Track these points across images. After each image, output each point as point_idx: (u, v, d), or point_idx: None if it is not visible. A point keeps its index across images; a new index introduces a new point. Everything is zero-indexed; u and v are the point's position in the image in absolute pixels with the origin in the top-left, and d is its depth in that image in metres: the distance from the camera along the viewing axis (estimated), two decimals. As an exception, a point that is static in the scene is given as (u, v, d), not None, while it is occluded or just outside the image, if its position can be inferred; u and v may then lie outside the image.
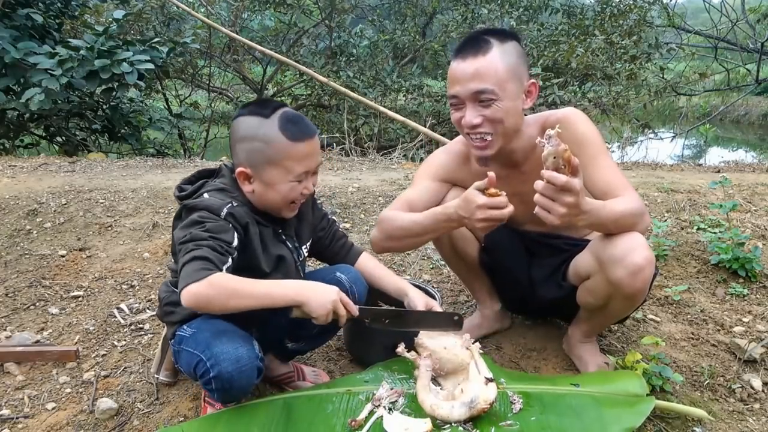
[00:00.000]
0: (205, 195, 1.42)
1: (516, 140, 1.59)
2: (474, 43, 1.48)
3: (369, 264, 1.70)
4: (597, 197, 1.53)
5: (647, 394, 1.50)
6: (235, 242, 1.35)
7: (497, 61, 1.46)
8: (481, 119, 1.48)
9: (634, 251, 1.45)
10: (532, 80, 1.55)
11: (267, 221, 1.49)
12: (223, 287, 1.27)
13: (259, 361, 1.36)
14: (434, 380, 1.49)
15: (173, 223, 1.48)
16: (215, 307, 1.28)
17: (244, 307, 1.30)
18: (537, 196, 1.31)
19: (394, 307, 1.61)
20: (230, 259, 1.32)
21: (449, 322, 1.58)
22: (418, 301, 1.57)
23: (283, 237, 1.55)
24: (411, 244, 1.75)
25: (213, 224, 1.33)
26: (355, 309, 1.44)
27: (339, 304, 1.38)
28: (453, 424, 1.36)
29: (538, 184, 1.30)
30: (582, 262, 1.64)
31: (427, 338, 1.52)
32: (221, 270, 1.28)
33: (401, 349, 1.54)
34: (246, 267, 1.40)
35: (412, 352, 1.52)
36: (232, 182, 1.46)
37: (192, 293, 1.24)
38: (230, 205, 1.39)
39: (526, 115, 1.62)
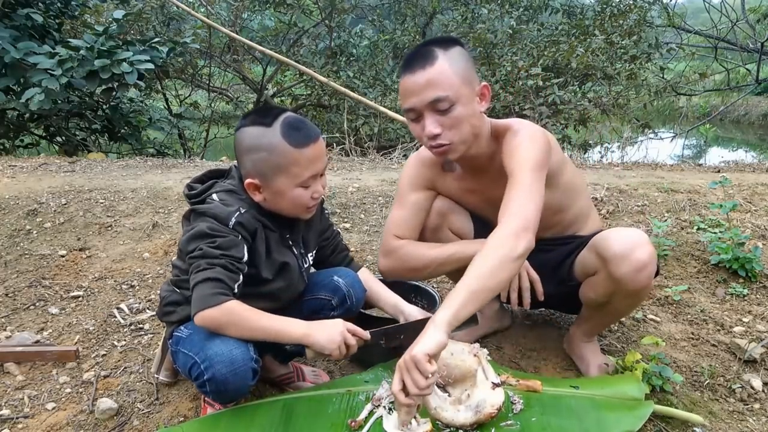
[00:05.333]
0: (214, 196, 1.43)
1: (477, 145, 1.56)
2: (419, 56, 1.47)
3: (368, 281, 1.70)
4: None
5: (647, 394, 1.51)
6: (245, 257, 1.38)
7: (446, 68, 1.44)
8: (440, 129, 1.47)
9: (638, 248, 1.46)
10: (484, 83, 1.54)
11: (275, 226, 1.49)
12: (236, 316, 1.32)
13: (254, 362, 1.36)
14: (442, 388, 1.48)
15: (182, 222, 1.49)
16: (227, 333, 1.33)
17: (253, 338, 1.35)
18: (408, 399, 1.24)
19: (400, 323, 1.60)
20: (241, 276, 1.36)
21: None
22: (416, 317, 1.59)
23: (290, 242, 1.54)
24: (429, 275, 1.83)
25: (223, 240, 1.35)
26: (365, 334, 1.44)
27: (347, 335, 1.40)
28: (458, 429, 1.36)
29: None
30: (586, 259, 1.64)
31: None
32: (233, 288, 1.34)
33: None
34: (247, 273, 1.40)
35: None
36: (241, 184, 1.46)
37: (206, 318, 1.31)
38: (238, 213, 1.39)
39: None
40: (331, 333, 1.38)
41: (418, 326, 1.57)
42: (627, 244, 1.47)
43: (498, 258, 1.32)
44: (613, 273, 1.50)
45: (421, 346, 1.22)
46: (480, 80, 1.54)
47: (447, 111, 1.45)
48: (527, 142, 1.51)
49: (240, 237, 1.38)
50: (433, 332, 1.24)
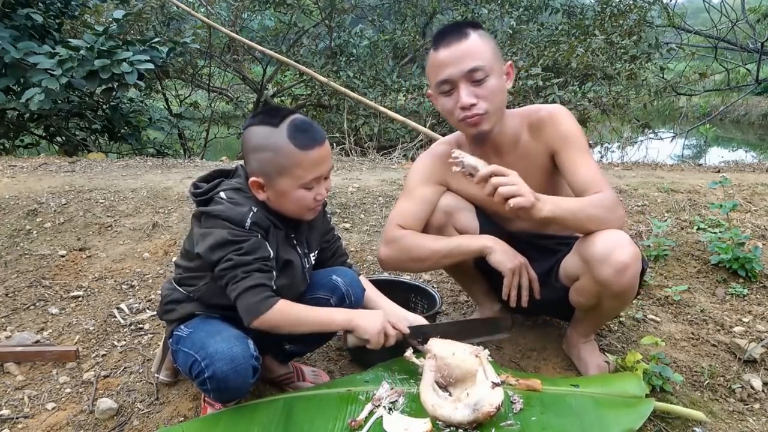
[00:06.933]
0: (222, 194, 1.43)
1: (501, 125, 1.62)
2: (452, 32, 1.55)
3: (366, 289, 1.69)
4: (577, 192, 1.58)
5: (647, 394, 1.51)
6: (271, 253, 1.42)
7: (480, 42, 1.55)
8: (475, 99, 1.53)
9: (617, 249, 1.46)
10: (509, 62, 1.63)
11: (281, 224, 1.50)
12: (287, 314, 1.40)
13: (255, 360, 1.37)
14: (443, 388, 1.48)
15: (191, 222, 1.51)
16: (281, 331, 1.42)
17: (304, 331, 1.44)
18: (500, 188, 1.40)
19: (436, 323, 1.62)
20: (274, 272, 1.41)
21: (497, 326, 1.65)
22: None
23: (294, 242, 1.55)
24: (430, 267, 1.91)
25: (248, 243, 1.38)
26: (404, 328, 1.51)
27: (388, 326, 1.47)
28: (456, 427, 1.36)
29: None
30: (569, 263, 1.65)
31: (436, 344, 1.52)
32: (273, 287, 1.40)
33: (409, 353, 1.54)
34: None
35: (421, 359, 1.52)
36: (248, 183, 1.47)
37: (264, 322, 1.38)
38: (251, 212, 1.41)
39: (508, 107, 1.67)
40: (373, 320, 1.45)
41: (453, 327, 1.60)
42: (607, 246, 1.47)
43: (603, 211, 1.51)
44: (595, 275, 1.50)
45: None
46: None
47: (482, 82, 1.52)
48: (578, 127, 1.64)
49: (259, 236, 1.40)
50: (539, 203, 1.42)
